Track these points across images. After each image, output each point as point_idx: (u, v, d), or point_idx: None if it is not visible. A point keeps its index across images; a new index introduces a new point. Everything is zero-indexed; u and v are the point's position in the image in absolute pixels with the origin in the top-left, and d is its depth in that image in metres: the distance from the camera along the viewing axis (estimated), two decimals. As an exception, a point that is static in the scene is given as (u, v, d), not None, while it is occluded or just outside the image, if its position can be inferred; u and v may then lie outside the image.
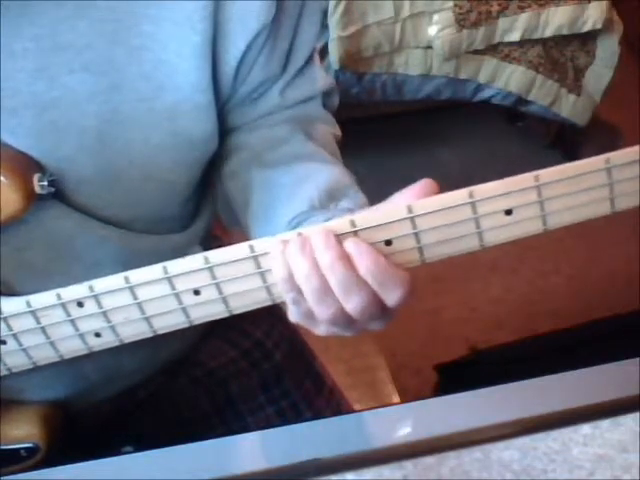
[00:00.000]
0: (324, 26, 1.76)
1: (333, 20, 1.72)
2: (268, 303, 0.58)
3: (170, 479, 0.64)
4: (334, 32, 1.73)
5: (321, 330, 0.56)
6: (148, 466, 0.66)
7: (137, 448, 0.94)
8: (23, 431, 0.73)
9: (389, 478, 0.61)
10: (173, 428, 0.91)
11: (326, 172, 0.66)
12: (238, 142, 0.72)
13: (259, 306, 0.58)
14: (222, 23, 0.63)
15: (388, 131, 2.06)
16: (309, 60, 0.72)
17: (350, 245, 0.52)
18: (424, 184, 0.53)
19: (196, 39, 0.62)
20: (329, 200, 0.63)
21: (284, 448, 0.66)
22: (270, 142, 0.70)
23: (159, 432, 0.92)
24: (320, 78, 0.74)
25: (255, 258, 0.55)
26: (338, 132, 0.76)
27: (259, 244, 0.55)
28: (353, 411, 0.96)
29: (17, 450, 0.72)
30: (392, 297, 0.52)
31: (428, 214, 0.53)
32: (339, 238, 0.52)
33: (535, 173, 0.52)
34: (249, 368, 0.90)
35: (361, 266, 0.52)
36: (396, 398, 1.36)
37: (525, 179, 0.52)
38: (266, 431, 0.70)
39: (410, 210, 0.52)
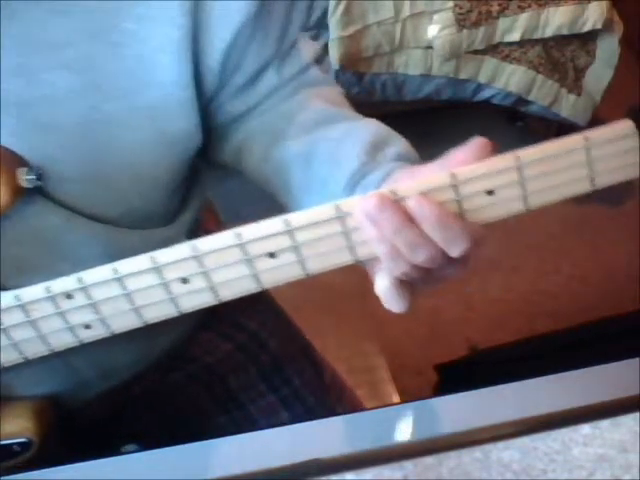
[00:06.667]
0: (324, 26, 1.76)
1: (333, 20, 1.72)
2: (256, 291, 0.58)
3: (170, 479, 0.64)
4: (334, 32, 1.73)
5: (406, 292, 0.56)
6: (148, 466, 0.66)
7: (138, 444, 0.94)
8: (16, 426, 0.72)
9: (389, 478, 0.61)
10: (174, 424, 0.91)
11: (360, 125, 0.66)
12: (254, 130, 0.71)
13: (248, 294, 0.58)
14: (203, 18, 0.63)
15: (388, 131, 2.05)
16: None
17: (413, 204, 0.52)
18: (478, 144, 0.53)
19: (176, 34, 0.62)
20: (375, 151, 0.62)
21: (284, 448, 0.66)
22: (288, 115, 0.70)
23: (159, 429, 0.92)
24: (309, 46, 0.74)
25: (242, 246, 0.55)
26: (343, 92, 0.76)
27: (246, 231, 0.55)
28: (355, 396, 0.96)
29: (10, 445, 0.72)
30: (455, 250, 0.53)
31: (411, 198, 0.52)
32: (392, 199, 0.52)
33: (515, 153, 0.52)
34: (246, 361, 0.90)
35: (425, 225, 0.52)
36: (396, 398, 1.36)
37: (505, 159, 0.52)
38: (266, 431, 0.70)
39: (395, 193, 0.52)
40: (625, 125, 0.52)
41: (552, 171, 0.53)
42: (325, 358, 0.97)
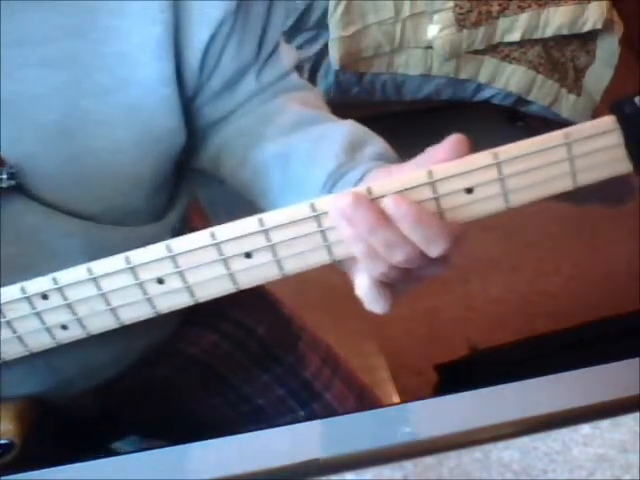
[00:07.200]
0: (324, 26, 1.76)
1: (333, 20, 1.72)
2: (233, 291, 0.57)
3: (170, 479, 0.64)
4: (334, 32, 1.73)
5: (385, 298, 0.55)
6: (148, 466, 0.66)
7: (139, 441, 0.94)
8: None
9: (389, 478, 0.61)
10: (168, 418, 0.91)
11: (338, 126, 0.66)
12: (231, 135, 0.71)
13: (224, 294, 0.58)
14: (183, 13, 0.63)
15: (388, 131, 2.06)
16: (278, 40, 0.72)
17: (389, 204, 0.51)
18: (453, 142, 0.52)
19: (157, 30, 0.62)
20: (353, 151, 0.62)
21: (284, 448, 0.66)
22: (266, 118, 0.70)
23: (153, 424, 0.92)
24: (290, 53, 0.73)
25: (217, 245, 0.55)
26: (324, 97, 0.75)
27: (220, 231, 0.54)
28: (350, 369, 0.96)
29: None
30: (435, 250, 0.52)
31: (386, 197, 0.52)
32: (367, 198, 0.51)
33: (494, 150, 0.51)
34: (233, 349, 0.90)
35: (403, 225, 0.51)
36: (396, 398, 1.36)
37: (484, 156, 0.51)
38: (266, 431, 0.70)
39: (370, 191, 0.51)
40: (607, 121, 0.51)
41: (532, 168, 0.51)
42: (319, 335, 0.97)
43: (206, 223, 0.89)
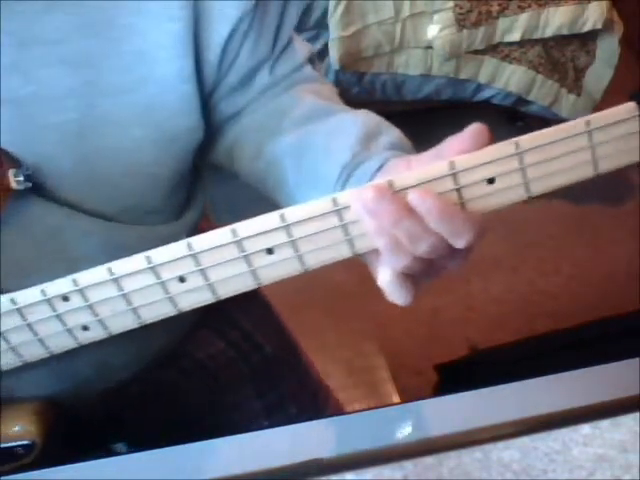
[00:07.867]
0: (324, 26, 1.76)
1: (333, 20, 1.72)
2: (255, 287, 0.57)
3: (170, 479, 0.64)
4: (334, 32, 1.73)
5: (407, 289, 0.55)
6: (148, 466, 0.66)
7: (135, 443, 0.94)
8: (19, 429, 0.72)
9: (389, 478, 0.61)
10: (168, 421, 0.91)
11: (352, 117, 0.66)
12: (245, 128, 0.71)
13: (246, 290, 0.58)
14: (203, 11, 0.63)
15: (388, 131, 2.05)
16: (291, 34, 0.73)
17: (414, 198, 0.51)
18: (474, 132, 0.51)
19: (176, 28, 0.62)
20: (368, 141, 0.62)
21: (284, 448, 0.66)
22: (280, 111, 0.69)
23: (156, 425, 0.92)
24: (303, 46, 0.74)
25: (238, 242, 0.55)
26: (336, 90, 0.75)
27: (241, 227, 0.54)
28: (340, 408, 0.96)
29: (13, 448, 0.72)
30: (460, 242, 0.52)
31: (409, 188, 0.52)
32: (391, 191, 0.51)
33: (515, 139, 0.51)
34: (237, 359, 0.90)
35: (428, 219, 0.51)
36: (396, 398, 1.36)
37: (505, 146, 0.51)
38: (266, 431, 0.70)
39: (392, 184, 0.52)
40: (628, 107, 0.51)
41: (554, 157, 0.52)
42: (313, 365, 0.97)
43: (208, 222, 0.89)
